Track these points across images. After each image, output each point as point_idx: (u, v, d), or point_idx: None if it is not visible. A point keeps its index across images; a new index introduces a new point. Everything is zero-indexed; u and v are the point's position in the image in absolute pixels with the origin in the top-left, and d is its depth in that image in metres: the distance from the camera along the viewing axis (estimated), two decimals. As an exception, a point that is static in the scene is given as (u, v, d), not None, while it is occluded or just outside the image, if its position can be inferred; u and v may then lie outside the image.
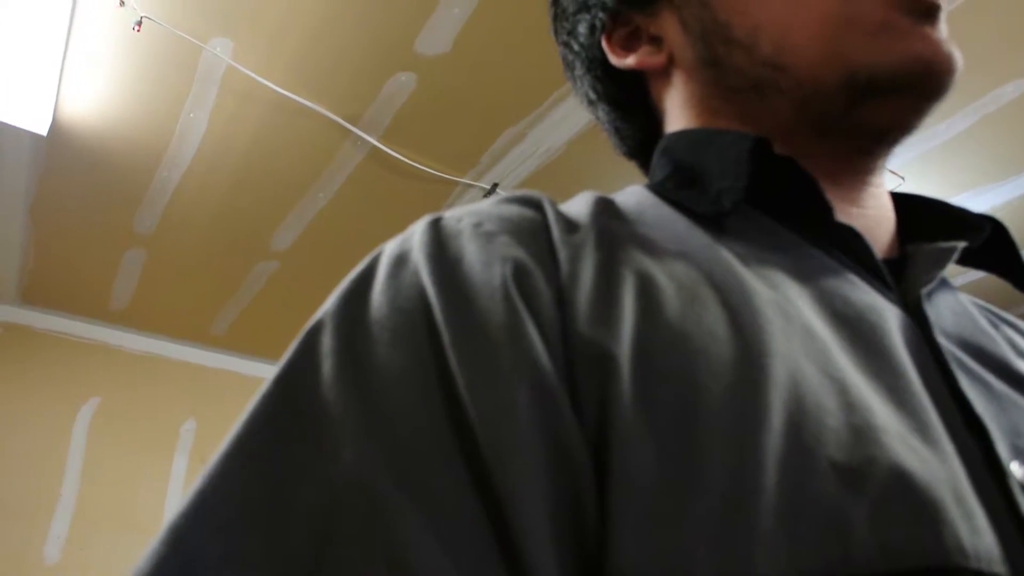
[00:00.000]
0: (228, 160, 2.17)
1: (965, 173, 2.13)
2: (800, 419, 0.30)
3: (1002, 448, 0.33)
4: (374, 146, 2.09)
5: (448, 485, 0.28)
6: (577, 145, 2.10)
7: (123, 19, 1.75)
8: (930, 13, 0.43)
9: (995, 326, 0.45)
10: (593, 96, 0.57)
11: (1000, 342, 0.40)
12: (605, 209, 0.41)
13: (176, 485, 2.82)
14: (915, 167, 2.12)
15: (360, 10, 1.74)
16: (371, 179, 2.22)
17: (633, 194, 0.46)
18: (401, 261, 0.36)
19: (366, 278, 0.36)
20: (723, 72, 0.47)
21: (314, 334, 0.34)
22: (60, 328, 2.92)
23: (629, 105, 0.56)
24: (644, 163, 0.58)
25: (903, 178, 2.15)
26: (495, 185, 2.21)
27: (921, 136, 2.03)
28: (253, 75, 1.88)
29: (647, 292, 0.35)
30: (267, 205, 2.34)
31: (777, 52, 0.45)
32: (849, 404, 0.31)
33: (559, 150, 2.12)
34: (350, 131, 2.04)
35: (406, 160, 2.12)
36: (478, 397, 0.29)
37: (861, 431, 0.30)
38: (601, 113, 0.58)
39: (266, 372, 3.14)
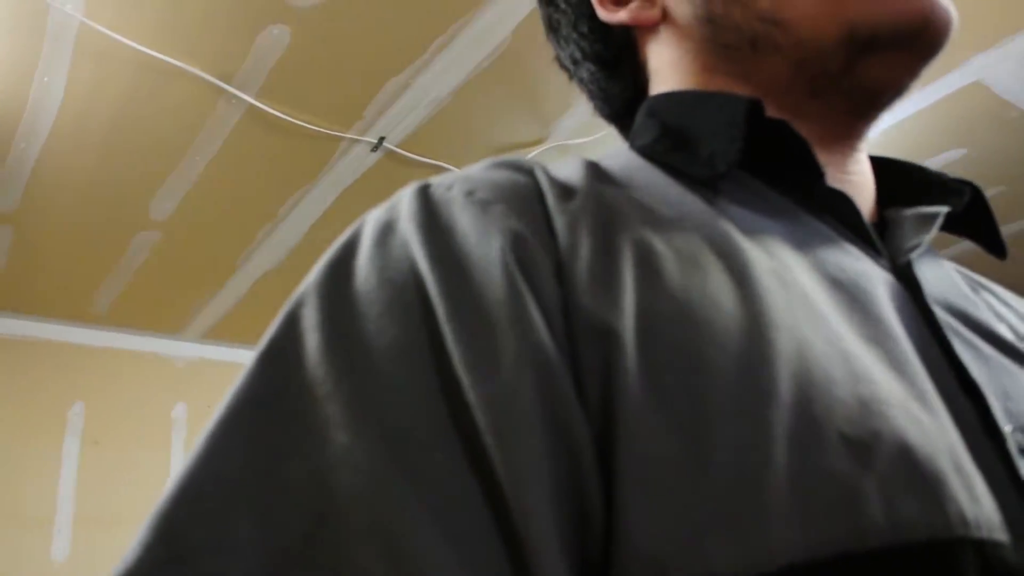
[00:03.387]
0: (93, 127, 2.02)
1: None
2: (809, 391, 0.29)
3: (998, 412, 0.33)
4: (251, 105, 1.98)
5: (446, 468, 0.27)
6: (465, 93, 2.05)
7: (-45, -23, 1.58)
8: None
9: (975, 290, 0.45)
10: (578, 55, 0.55)
11: (981, 306, 0.41)
12: (596, 173, 0.40)
13: (69, 470, 2.68)
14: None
15: (222, -40, 1.63)
16: (250, 139, 2.11)
17: (618, 157, 0.45)
18: (388, 230, 0.34)
19: (350, 248, 0.34)
20: (719, 29, 0.46)
21: (297, 308, 0.32)
22: (-78, 316, 2.71)
23: (616, 63, 0.54)
24: (625, 125, 0.57)
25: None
26: (382, 139, 2.14)
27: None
28: (110, 33, 1.74)
29: (647, 261, 0.33)
30: (141, 173, 2.20)
31: (776, 7, 0.43)
32: (855, 374, 0.31)
33: (446, 99, 2.06)
34: (224, 90, 1.93)
35: (285, 117, 2.02)
36: (479, 379, 0.28)
37: (867, 403, 0.30)
38: (585, 74, 0.56)
39: (158, 346, 3.01)
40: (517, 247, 0.32)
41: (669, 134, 0.45)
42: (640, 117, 0.49)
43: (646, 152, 0.44)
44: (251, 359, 0.31)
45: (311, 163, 2.23)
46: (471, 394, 0.28)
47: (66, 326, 2.89)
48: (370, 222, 0.36)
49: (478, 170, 0.38)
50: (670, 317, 0.31)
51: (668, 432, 0.28)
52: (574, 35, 0.54)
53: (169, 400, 2.95)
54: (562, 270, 0.32)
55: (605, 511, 0.28)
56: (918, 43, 0.42)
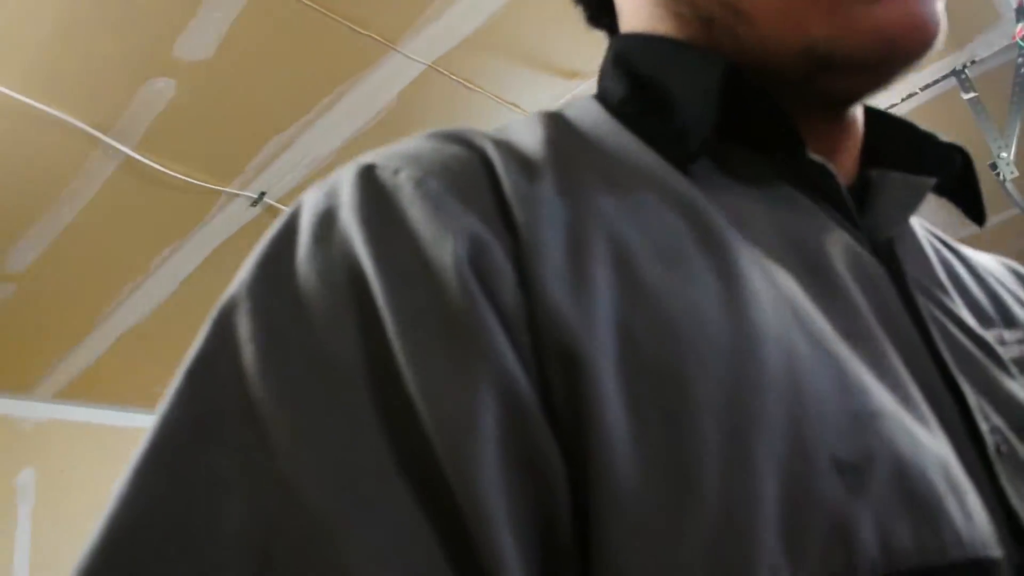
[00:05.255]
0: (-49, 173, 1.93)
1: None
2: (800, 413, 0.27)
3: (979, 416, 0.31)
4: (128, 156, 1.95)
5: (401, 500, 0.24)
6: (345, 154, 2.09)
7: None
8: None
9: (941, 260, 0.41)
10: None
11: (949, 287, 0.38)
12: (560, 140, 0.35)
13: None
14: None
15: (110, 12, 1.62)
16: (125, 191, 2.06)
17: (586, 111, 0.39)
18: (327, 221, 0.30)
19: (285, 241, 0.30)
20: None
21: (228, 314, 0.29)
22: None
23: None
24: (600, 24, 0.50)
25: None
26: (262, 194, 2.15)
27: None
28: (-19, 78, 1.69)
29: (623, 260, 0.30)
30: (4, 223, 2.10)
31: None
32: (845, 385, 0.29)
33: (328, 158, 2.10)
34: (100, 140, 1.89)
35: (163, 169, 2.00)
36: (434, 402, 0.25)
37: (859, 417, 0.28)
38: None
39: (2, 407, 2.80)
40: (474, 252, 0.28)
41: (638, 92, 0.39)
42: (608, 62, 0.43)
43: (615, 111, 0.39)
44: (178, 373, 0.28)
45: (187, 216, 2.19)
46: (427, 419, 0.25)
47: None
48: (307, 210, 0.31)
49: (426, 148, 0.33)
50: (650, 334, 0.28)
51: (648, 469, 0.25)
52: None
53: (14, 465, 2.75)
54: (526, 274, 0.28)
55: (581, 549, 0.26)
56: (885, 66, 0.36)
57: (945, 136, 0.43)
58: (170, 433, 0.26)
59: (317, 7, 1.72)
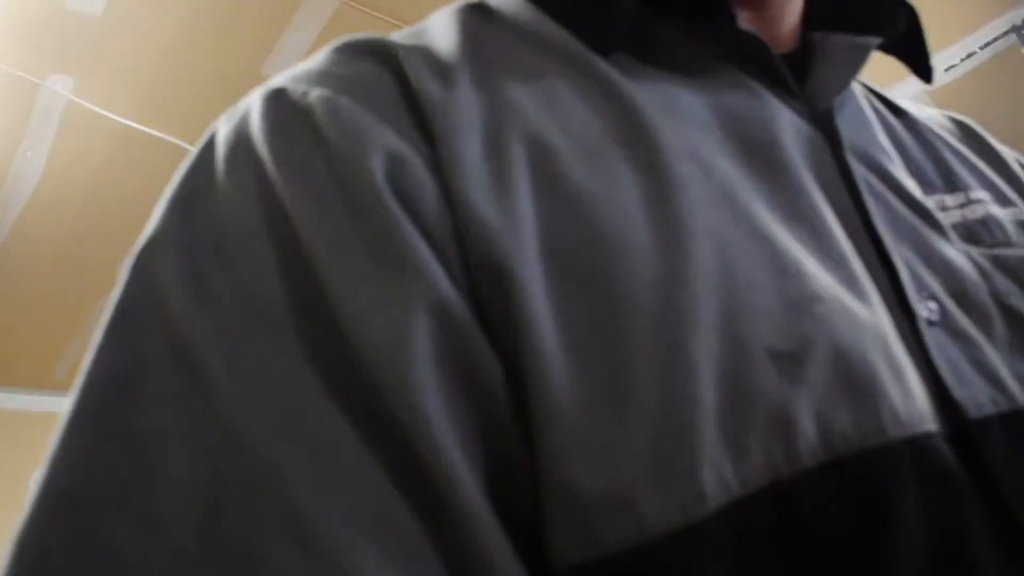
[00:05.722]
0: (70, 197, 2.10)
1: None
2: (733, 306, 0.27)
3: (908, 284, 0.31)
4: (226, 169, 2.09)
5: (345, 436, 0.24)
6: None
7: (-48, 60, 1.68)
8: None
9: (884, 124, 0.40)
10: None
11: (894, 156, 0.37)
12: (478, 32, 0.34)
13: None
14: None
15: (208, 38, 1.77)
16: (223, 202, 2.21)
17: (513, 3, 0.37)
18: (240, 151, 0.29)
19: (201, 177, 0.29)
20: None
21: (147, 260, 0.27)
22: None
23: None
24: None
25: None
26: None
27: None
28: (96, 108, 1.85)
29: (543, 163, 0.29)
30: (114, 238, 2.27)
31: None
32: (782, 271, 0.28)
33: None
34: (200, 156, 2.05)
35: (259, 180, 2.14)
36: (367, 332, 0.25)
37: (796, 304, 0.27)
38: None
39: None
40: (392, 169, 0.27)
41: None
42: None
43: (540, 1, 0.37)
44: (101, 326, 0.26)
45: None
46: (362, 348, 0.24)
47: (29, 394, 2.88)
48: (220, 142, 0.29)
49: (336, 64, 0.31)
50: (575, 241, 0.27)
51: (582, 378, 0.25)
52: None
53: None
54: (448, 187, 0.27)
55: (531, 460, 0.25)
56: None
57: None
58: (101, 389, 0.25)
59: (392, 20, 1.84)
